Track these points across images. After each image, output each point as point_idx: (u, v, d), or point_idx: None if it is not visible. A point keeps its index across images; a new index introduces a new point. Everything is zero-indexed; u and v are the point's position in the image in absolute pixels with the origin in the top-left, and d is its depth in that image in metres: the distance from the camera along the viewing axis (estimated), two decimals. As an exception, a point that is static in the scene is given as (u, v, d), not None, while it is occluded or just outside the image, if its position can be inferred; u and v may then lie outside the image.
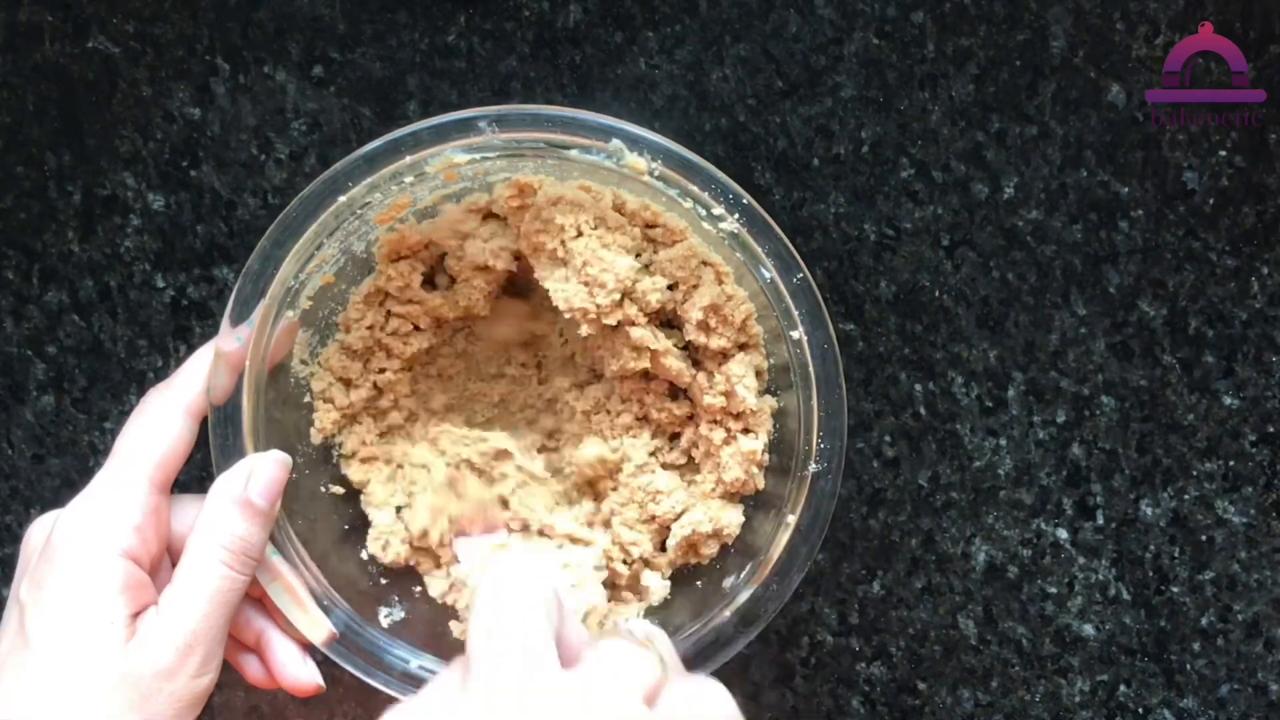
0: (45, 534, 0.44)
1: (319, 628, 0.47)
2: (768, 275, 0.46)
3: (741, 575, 0.48)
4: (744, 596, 0.48)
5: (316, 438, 0.50)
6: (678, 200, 0.46)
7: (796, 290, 0.46)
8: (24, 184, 0.53)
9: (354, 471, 0.51)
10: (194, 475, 0.52)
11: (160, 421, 0.45)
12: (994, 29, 0.51)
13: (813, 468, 0.47)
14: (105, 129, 0.52)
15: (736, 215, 0.46)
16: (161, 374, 0.53)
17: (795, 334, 0.47)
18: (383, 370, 0.50)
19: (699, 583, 0.51)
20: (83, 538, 0.43)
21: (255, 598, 0.47)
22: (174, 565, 0.45)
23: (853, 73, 0.52)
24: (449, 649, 0.49)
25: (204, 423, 0.46)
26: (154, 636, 0.42)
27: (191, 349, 0.48)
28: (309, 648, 0.48)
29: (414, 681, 0.48)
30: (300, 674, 0.47)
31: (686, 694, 0.36)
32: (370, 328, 0.49)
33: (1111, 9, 0.51)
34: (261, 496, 0.45)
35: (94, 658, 0.41)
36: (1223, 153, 0.52)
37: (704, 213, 0.46)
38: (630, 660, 0.36)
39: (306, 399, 0.50)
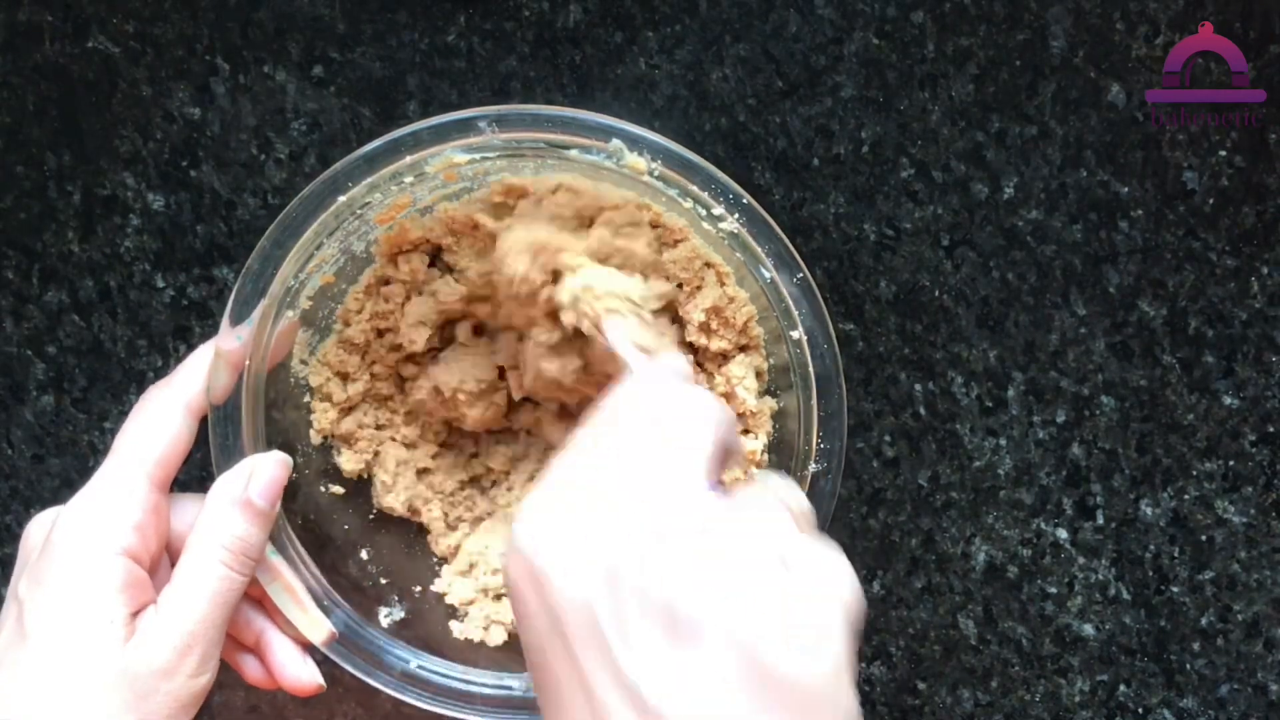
0: (44, 531, 0.44)
1: (319, 628, 0.47)
2: (768, 275, 0.46)
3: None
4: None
5: (316, 438, 0.50)
6: (678, 200, 0.46)
7: (797, 290, 0.46)
8: (24, 184, 0.53)
9: (348, 461, 0.50)
10: (194, 475, 0.52)
11: (160, 419, 0.45)
12: (994, 29, 0.51)
13: (813, 468, 0.47)
14: (105, 129, 0.52)
15: (737, 215, 0.46)
16: (161, 374, 0.53)
17: (795, 334, 0.47)
18: (375, 363, 0.50)
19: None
20: (82, 535, 0.43)
21: (255, 598, 0.47)
22: (173, 565, 0.45)
23: (853, 73, 0.52)
24: (449, 649, 0.49)
25: (204, 422, 0.46)
26: (152, 635, 0.42)
27: (191, 349, 0.48)
28: (309, 648, 0.48)
29: (414, 681, 0.48)
30: (300, 674, 0.47)
31: (815, 558, 0.35)
32: (370, 318, 0.49)
33: (1111, 9, 0.51)
34: (261, 497, 0.45)
35: (92, 655, 0.41)
36: (1223, 153, 0.52)
37: (704, 213, 0.46)
38: (777, 504, 0.36)
39: (306, 399, 0.50)
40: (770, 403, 0.49)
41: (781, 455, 0.49)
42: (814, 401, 0.47)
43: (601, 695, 0.32)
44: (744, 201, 0.46)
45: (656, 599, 0.32)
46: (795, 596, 0.33)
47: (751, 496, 0.36)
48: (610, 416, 0.38)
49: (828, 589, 0.34)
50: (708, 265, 0.48)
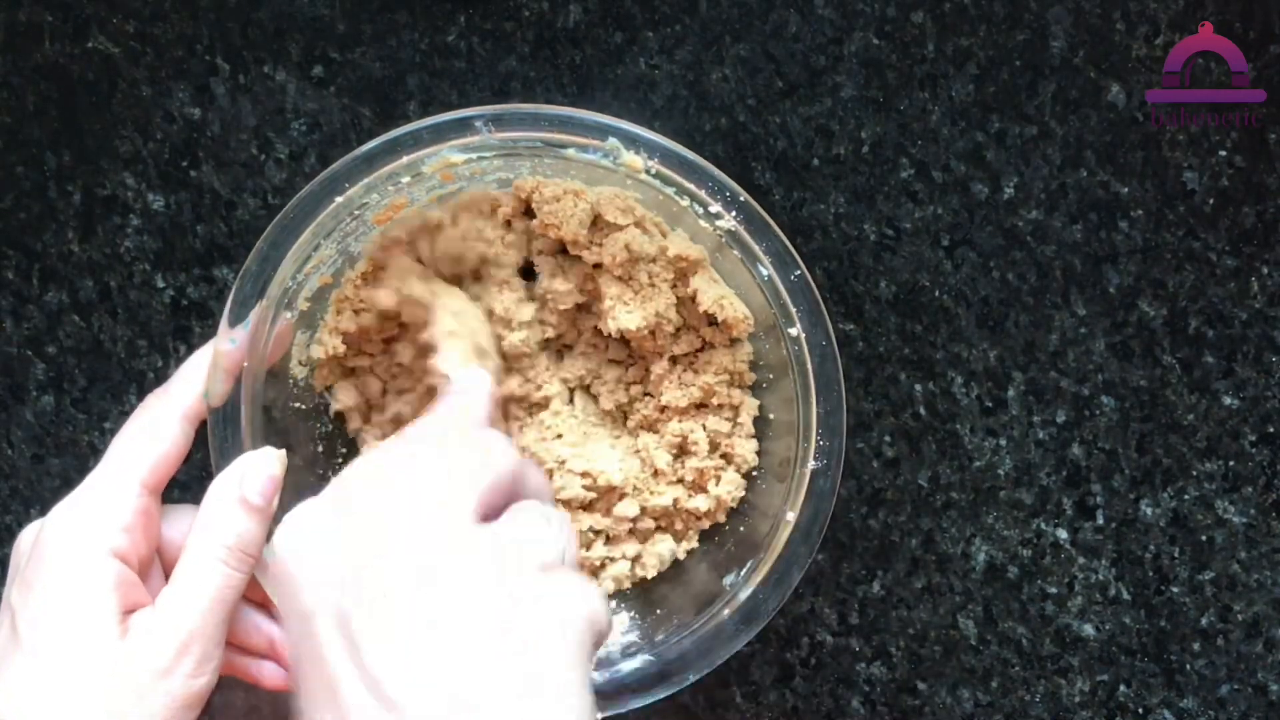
0: (34, 538, 0.44)
1: None
2: (765, 273, 0.46)
3: (742, 573, 0.48)
4: (744, 594, 0.48)
5: (300, 371, 0.50)
6: (675, 198, 0.46)
7: (794, 287, 0.46)
8: (24, 184, 0.53)
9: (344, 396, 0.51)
10: (194, 475, 0.52)
11: (155, 425, 0.45)
12: (994, 29, 0.51)
13: (812, 465, 0.47)
14: (105, 129, 0.52)
15: (734, 213, 0.46)
16: (161, 374, 0.53)
17: (793, 331, 0.47)
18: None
19: (699, 581, 0.51)
20: (71, 537, 0.42)
21: (260, 603, 0.47)
22: (166, 575, 0.44)
23: (853, 73, 0.52)
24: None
25: (203, 424, 0.46)
26: (149, 634, 0.42)
27: (191, 349, 0.48)
28: None
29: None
30: None
31: (542, 596, 0.36)
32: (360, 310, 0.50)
33: (1111, 9, 0.51)
34: (258, 494, 0.45)
35: (88, 656, 0.41)
36: (1223, 153, 0.52)
37: (701, 211, 0.46)
38: (538, 533, 0.38)
39: (305, 399, 0.50)
40: (750, 401, 0.50)
41: (781, 452, 0.49)
42: (812, 398, 0.47)
43: (346, 692, 0.34)
44: (741, 199, 0.46)
45: (393, 613, 0.35)
46: (512, 651, 0.35)
47: (508, 531, 0.38)
48: (402, 442, 0.41)
49: (551, 631, 0.35)
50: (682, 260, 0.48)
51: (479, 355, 0.48)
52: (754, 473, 0.51)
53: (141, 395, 0.47)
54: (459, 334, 0.48)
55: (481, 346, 0.48)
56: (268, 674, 0.48)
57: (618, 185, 0.48)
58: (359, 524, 0.37)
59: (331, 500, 0.39)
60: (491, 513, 0.38)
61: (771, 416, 0.50)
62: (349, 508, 0.38)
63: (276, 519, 0.46)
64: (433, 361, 0.48)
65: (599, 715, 0.47)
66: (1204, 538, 0.54)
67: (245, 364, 0.46)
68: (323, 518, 0.38)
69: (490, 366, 0.48)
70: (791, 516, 0.47)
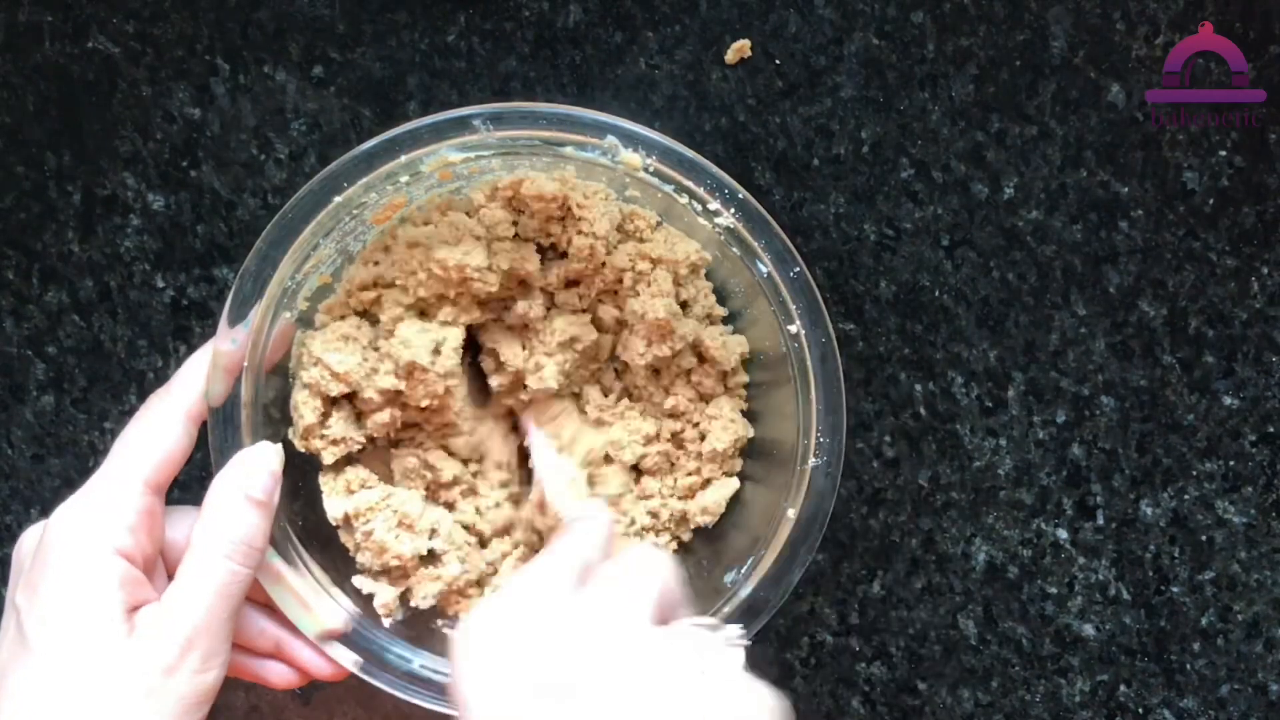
0: (37, 540, 0.44)
1: (323, 626, 0.47)
2: (764, 270, 0.46)
3: (742, 570, 0.48)
4: (745, 592, 0.48)
5: (298, 439, 0.49)
6: (674, 196, 0.46)
7: (793, 284, 0.46)
8: (24, 184, 0.53)
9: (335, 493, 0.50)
10: (194, 475, 0.52)
11: (157, 425, 0.45)
12: (994, 29, 0.51)
13: (812, 462, 0.47)
14: (105, 129, 0.52)
15: (733, 210, 0.46)
16: (161, 374, 0.53)
17: (793, 328, 0.47)
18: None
19: (700, 578, 0.51)
20: (76, 536, 0.43)
21: (265, 604, 0.48)
22: (170, 576, 0.45)
23: (853, 73, 0.52)
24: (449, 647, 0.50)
25: (204, 424, 0.46)
26: (155, 631, 0.42)
27: (191, 349, 0.48)
28: (333, 636, 0.48)
29: (415, 680, 0.48)
30: (328, 662, 0.47)
31: (728, 698, 0.37)
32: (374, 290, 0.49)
33: (1111, 9, 0.51)
34: (260, 489, 0.45)
35: (94, 654, 0.41)
36: (1223, 153, 0.52)
37: (700, 208, 0.46)
38: (705, 646, 0.38)
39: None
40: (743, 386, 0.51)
41: (781, 449, 0.49)
42: (812, 396, 0.47)
43: None
44: (740, 196, 0.46)
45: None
46: None
47: (684, 634, 0.38)
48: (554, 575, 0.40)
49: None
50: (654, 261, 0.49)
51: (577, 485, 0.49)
52: (752, 473, 0.51)
53: (142, 395, 0.47)
54: (560, 467, 0.49)
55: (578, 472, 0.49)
56: (275, 674, 0.48)
57: (616, 184, 0.48)
58: (543, 641, 0.37)
59: (513, 615, 0.38)
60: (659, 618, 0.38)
61: (771, 415, 0.50)
62: (519, 629, 0.37)
63: (278, 522, 0.47)
64: (543, 498, 0.49)
65: None
66: (1204, 538, 0.54)
67: (245, 364, 0.46)
68: (492, 641, 0.37)
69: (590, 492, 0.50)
70: (792, 514, 0.47)
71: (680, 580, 0.40)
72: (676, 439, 0.51)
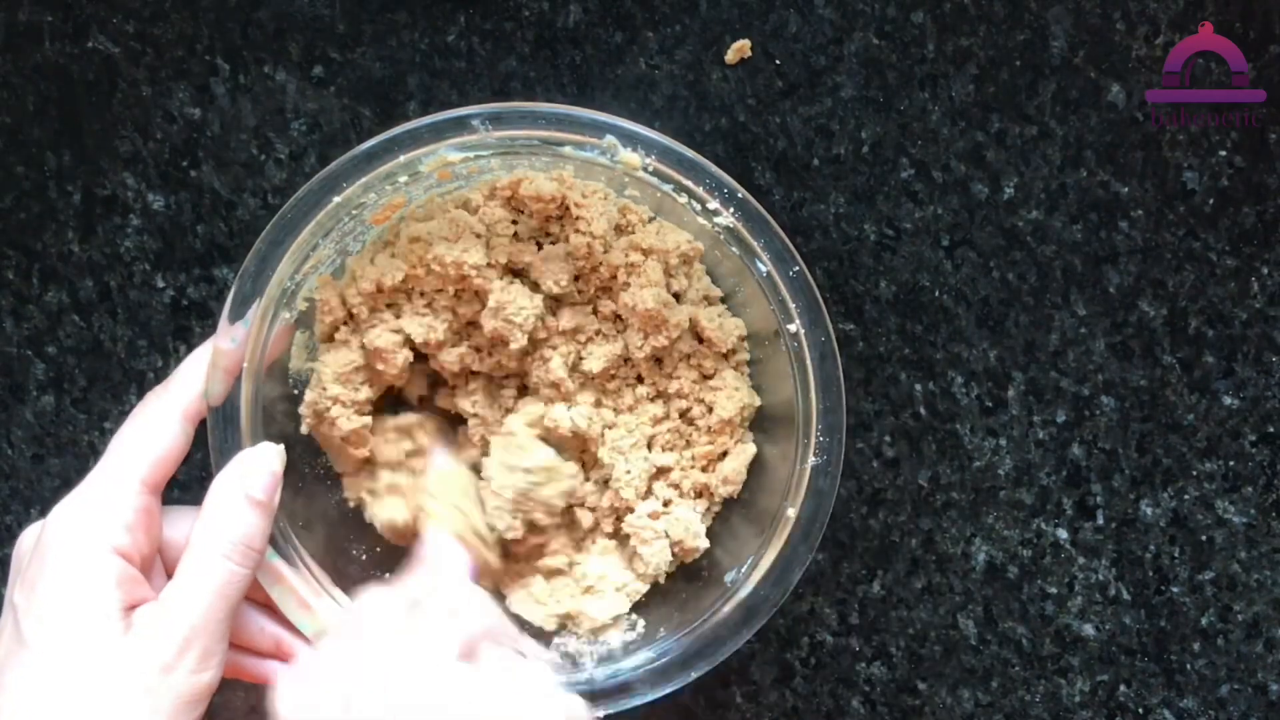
0: (35, 539, 0.44)
1: (322, 626, 0.47)
2: (764, 269, 0.46)
3: (742, 570, 0.48)
4: (745, 591, 0.48)
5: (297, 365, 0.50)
6: (673, 195, 0.46)
7: (793, 283, 0.46)
8: (24, 184, 0.53)
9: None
10: (194, 475, 0.52)
11: (154, 424, 0.45)
12: (994, 29, 0.51)
13: (812, 461, 0.47)
14: (105, 129, 0.52)
15: (732, 209, 0.46)
16: (161, 374, 0.53)
17: (792, 327, 0.47)
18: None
19: (700, 577, 0.51)
20: (73, 535, 0.43)
21: (264, 604, 0.48)
22: (168, 576, 0.44)
23: (853, 73, 0.52)
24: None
25: (203, 423, 0.46)
26: (153, 630, 0.42)
27: (191, 349, 0.48)
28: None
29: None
30: None
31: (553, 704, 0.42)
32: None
33: (1111, 9, 0.51)
34: (261, 489, 0.45)
35: (92, 653, 0.41)
36: (1223, 153, 0.52)
37: (699, 207, 0.46)
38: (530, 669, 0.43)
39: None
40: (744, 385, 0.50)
41: (781, 448, 0.49)
42: (812, 395, 0.47)
43: None
44: (739, 196, 0.46)
45: None
46: None
47: (498, 668, 0.42)
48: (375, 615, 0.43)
49: None
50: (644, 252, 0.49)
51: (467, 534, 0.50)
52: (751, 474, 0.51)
53: (142, 395, 0.47)
54: (445, 516, 0.49)
55: (471, 527, 0.50)
56: (275, 674, 0.48)
57: (616, 183, 0.48)
58: (349, 687, 0.40)
59: (320, 681, 0.41)
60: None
61: (771, 414, 0.50)
62: (345, 694, 0.40)
63: (278, 523, 0.47)
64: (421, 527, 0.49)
65: (600, 713, 0.47)
66: (1204, 538, 0.54)
67: (245, 363, 0.46)
68: (325, 687, 0.40)
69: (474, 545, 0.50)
70: (792, 513, 0.47)
71: (498, 618, 0.45)
72: (686, 416, 0.51)
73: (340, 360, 0.48)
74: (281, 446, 0.46)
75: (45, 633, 0.41)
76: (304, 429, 0.49)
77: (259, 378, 0.47)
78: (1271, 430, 0.53)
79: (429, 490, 0.49)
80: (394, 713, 0.39)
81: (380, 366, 0.48)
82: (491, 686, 0.40)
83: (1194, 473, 0.54)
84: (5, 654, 0.42)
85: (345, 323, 0.49)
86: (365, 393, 0.49)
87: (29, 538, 0.44)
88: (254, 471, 0.45)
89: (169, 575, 0.45)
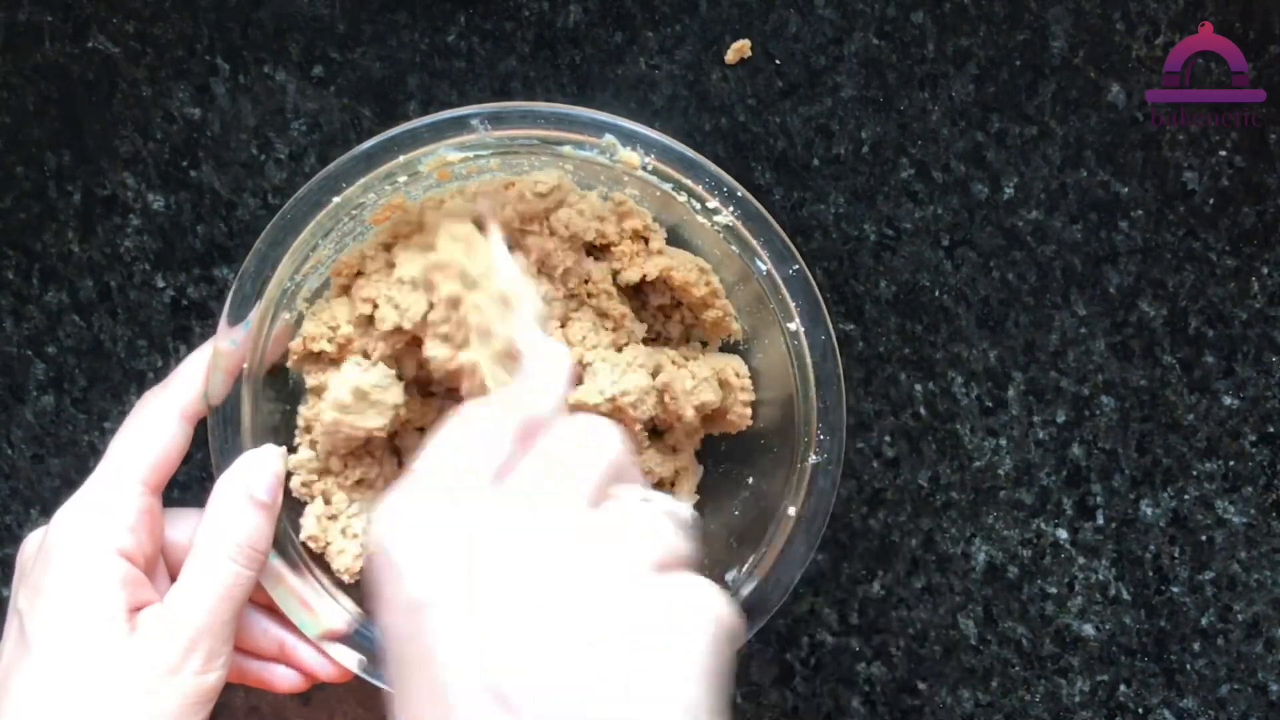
0: (39, 543, 0.44)
1: (323, 626, 0.47)
2: (764, 268, 0.46)
3: (743, 569, 0.48)
4: (746, 590, 0.48)
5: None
6: (672, 194, 0.46)
7: (793, 282, 0.46)
8: (24, 184, 0.53)
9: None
10: (194, 476, 0.52)
11: (154, 424, 0.45)
12: (994, 29, 0.51)
13: (813, 459, 0.47)
14: (105, 129, 0.52)
15: (731, 208, 0.46)
16: (161, 374, 0.53)
17: (792, 326, 0.47)
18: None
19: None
20: (76, 538, 0.43)
21: (266, 606, 0.48)
22: (171, 577, 0.45)
23: (853, 73, 0.52)
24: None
25: (202, 424, 0.46)
26: (157, 632, 0.42)
27: (191, 349, 0.48)
28: (335, 636, 0.48)
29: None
30: (330, 662, 0.47)
31: (665, 600, 0.34)
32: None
33: (1111, 9, 0.51)
34: (265, 491, 0.45)
35: (97, 655, 0.41)
36: (1223, 153, 0.52)
37: (699, 206, 0.46)
38: (656, 532, 0.36)
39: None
40: (736, 362, 0.50)
41: (781, 447, 0.49)
42: (812, 394, 0.47)
43: (457, 689, 0.32)
44: (738, 195, 0.46)
45: (512, 612, 0.32)
46: (640, 648, 0.32)
47: (622, 524, 0.35)
48: (490, 422, 0.38)
49: (676, 632, 0.33)
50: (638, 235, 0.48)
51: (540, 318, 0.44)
52: (752, 470, 0.51)
53: (141, 395, 0.47)
54: (523, 294, 0.44)
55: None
56: (279, 677, 0.48)
57: (615, 183, 0.48)
58: (468, 514, 0.34)
59: (428, 488, 0.36)
60: (601, 499, 0.36)
61: (771, 412, 0.50)
62: (454, 496, 0.35)
63: (279, 523, 0.47)
64: (502, 330, 0.44)
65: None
66: (1204, 538, 0.54)
67: (245, 364, 0.46)
68: (424, 507, 0.35)
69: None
70: (793, 512, 0.47)
71: (629, 451, 0.38)
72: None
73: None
74: (283, 449, 0.47)
75: (50, 636, 0.41)
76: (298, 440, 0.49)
77: (259, 378, 0.47)
78: (1271, 430, 0.53)
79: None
80: (512, 576, 0.33)
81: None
82: (631, 556, 0.34)
83: (1194, 473, 0.54)
84: (11, 658, 0.42)
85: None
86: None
87: (33, 542, 0.44)
88: (257, 473, 0.45)
89: (172, 577, 0.45)
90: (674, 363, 0.49)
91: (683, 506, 0.39)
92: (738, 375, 0.49)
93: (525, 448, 0.37)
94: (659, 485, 0.50)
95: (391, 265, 0.46)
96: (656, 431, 0.50)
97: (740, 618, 0.34)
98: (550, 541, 0.34)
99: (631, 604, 0.33)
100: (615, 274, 0.49)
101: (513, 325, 0.43)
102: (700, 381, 0.48)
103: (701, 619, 0.34)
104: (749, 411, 0.50)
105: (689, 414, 0.48)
